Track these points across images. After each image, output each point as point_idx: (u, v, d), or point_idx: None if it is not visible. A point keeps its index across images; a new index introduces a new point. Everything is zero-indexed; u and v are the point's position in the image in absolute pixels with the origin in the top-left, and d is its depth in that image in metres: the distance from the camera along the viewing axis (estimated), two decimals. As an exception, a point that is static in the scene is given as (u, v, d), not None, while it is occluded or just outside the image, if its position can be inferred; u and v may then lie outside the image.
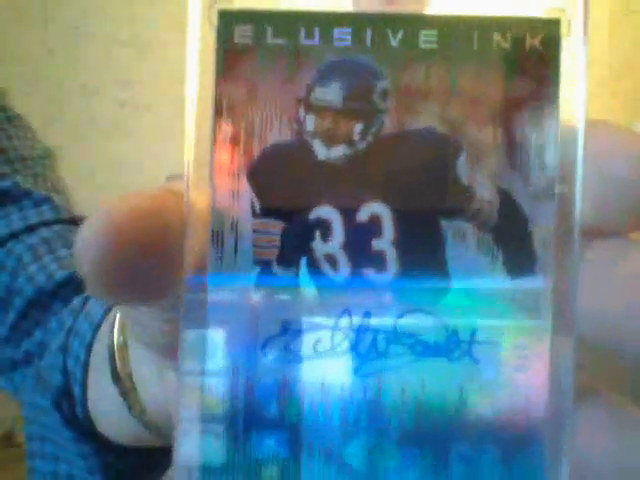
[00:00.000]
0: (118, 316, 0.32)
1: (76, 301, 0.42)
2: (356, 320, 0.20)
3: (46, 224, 0.46)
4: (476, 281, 0.20)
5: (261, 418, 0.20)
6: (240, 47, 0.20)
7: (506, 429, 0.20)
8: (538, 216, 0.20)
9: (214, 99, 0.20)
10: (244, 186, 0.20)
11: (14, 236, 0.45)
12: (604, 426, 0.20)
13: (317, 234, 0.20)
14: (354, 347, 0.20)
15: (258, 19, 0.20)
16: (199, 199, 0.19)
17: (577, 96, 0.20)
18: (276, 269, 0.20)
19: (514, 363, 0.20)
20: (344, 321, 0.20)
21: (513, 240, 0.20)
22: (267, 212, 0.20)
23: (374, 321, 0.20)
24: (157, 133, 1.99)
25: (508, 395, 0.20)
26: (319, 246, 0.20)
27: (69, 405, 0.37)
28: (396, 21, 0.20)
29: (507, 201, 0.21)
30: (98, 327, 0.37)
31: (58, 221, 0.47)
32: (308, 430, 0.20)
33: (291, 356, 0.20)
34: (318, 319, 0.20)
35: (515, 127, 0.20)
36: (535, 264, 0.20)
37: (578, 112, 0.20)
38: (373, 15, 0.20)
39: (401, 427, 0.20)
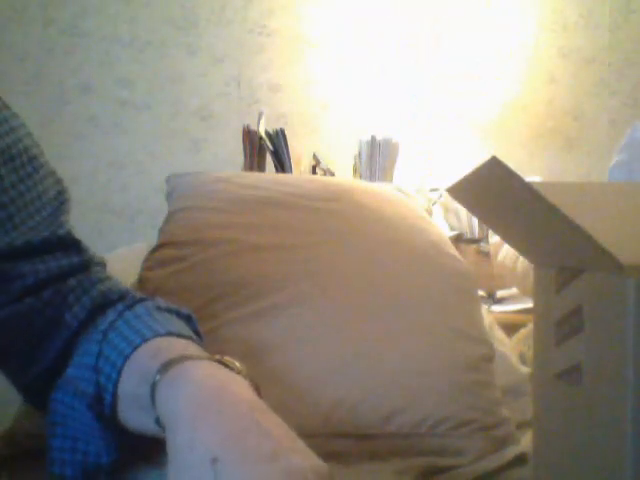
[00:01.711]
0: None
1: (95, 334, 0.56)
2: None
3: (83, 267, 0.61)
4: None
5: None
6: None
7: None
8: None
9: None
10: None
11: (60, 278, 0.59)
12: None
13: None
14: None
15: None
16: None
17: None
18: None
19: None
20: None
21: None
22: None
23: None
24: (157, 133, 1.99)
25: None
26: None
27: (99, 407, 0.53)
28: None
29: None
30: (127, 357, 0.52)
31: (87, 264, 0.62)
32: None
33: None
34: None
35: None
36: None
37: None
38: None
39: None
